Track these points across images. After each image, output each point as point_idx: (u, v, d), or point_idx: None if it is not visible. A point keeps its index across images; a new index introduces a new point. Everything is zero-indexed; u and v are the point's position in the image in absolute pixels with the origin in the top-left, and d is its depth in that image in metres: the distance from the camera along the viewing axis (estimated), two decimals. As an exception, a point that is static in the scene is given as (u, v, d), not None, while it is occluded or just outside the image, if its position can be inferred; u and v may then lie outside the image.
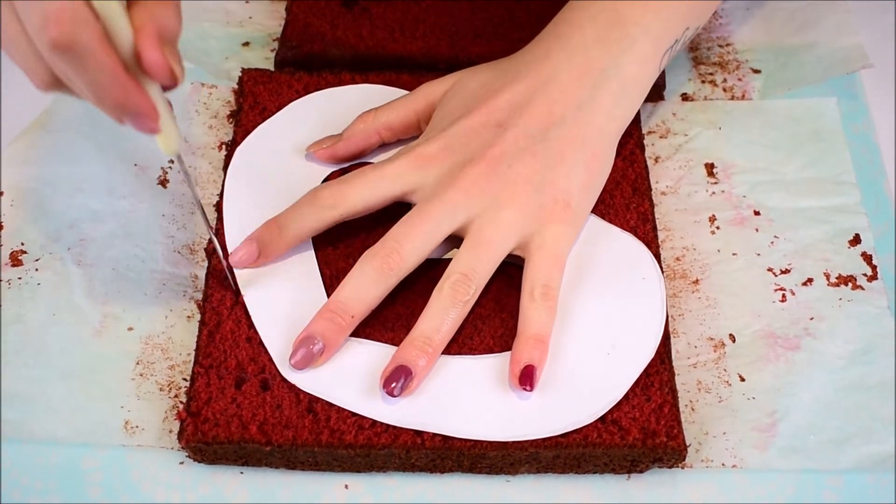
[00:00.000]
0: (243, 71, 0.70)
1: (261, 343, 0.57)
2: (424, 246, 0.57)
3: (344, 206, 0.58)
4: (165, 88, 0.49)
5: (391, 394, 0.54)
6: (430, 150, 0.59)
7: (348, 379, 0.56)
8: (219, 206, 0.63)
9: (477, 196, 0.58)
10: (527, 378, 0.55)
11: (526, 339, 0.56)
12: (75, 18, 0.44)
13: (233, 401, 0.55)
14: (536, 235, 0.58)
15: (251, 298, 0.58)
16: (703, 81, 0.73)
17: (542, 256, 0.58)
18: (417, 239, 0.57)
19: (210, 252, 0.61)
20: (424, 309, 0.56)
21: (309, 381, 0.55)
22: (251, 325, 0.57)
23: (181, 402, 0.57)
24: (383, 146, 0.65)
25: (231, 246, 0.60)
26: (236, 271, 0.59)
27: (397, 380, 0.54)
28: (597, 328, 0.58)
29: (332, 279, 0.59)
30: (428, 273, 0.59)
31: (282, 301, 0.58)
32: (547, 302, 0.57)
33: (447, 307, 0.56)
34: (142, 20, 0.46)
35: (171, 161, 0.67)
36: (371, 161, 0.65)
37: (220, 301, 0.58)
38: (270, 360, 0.56)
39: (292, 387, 0.55)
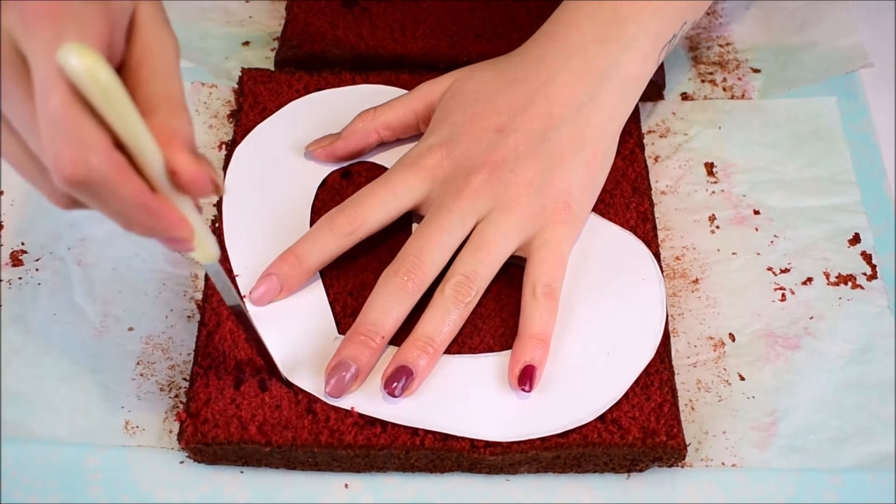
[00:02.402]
0: (243, 70, 0.70)
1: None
2: (442, 256, 0.57)
3: (362, 229, 0.58)
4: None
5: (392, 394, 0.54)
6: (434, 159, 0.59)
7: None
8: (218, 206, 0.63)
9: (482, 201, 0.58)
10: (526, 378, 0.55)
11: (527, 339, 0.56)
12: (91, 151, 0.41)
13: (232, 401, 0.55)
14: (538, 236, 0.58)
15: (253, 307, 0.58)
16: (702, 81, 0.73)
17: (545, 256, 0.58)
18: (435, 251, 0.57)
19: None
20: (426, 310, 0.56)
21: (310, 382, 0.55)
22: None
23: (181, 402, 0.57)
24: (382, 144, 0.65)
25: (231, 247, 0.60)
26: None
27: (398, 380, 0.54)
28: (597, 328, 0.58)
29: (332, 279, 0.59)
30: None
31: (283, 305, 0.58)
32: (550, 301, 0.57)
33: (449, 308, 0.56)
34: (165, 134, 0.43)
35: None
36: (370, 160, 0.65)
37: (220, 301, 0.58)
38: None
39: (291, 387, 0.55)
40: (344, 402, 0.55)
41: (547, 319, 0.57)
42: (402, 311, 0.56)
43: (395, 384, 0.54)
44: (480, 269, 0.57)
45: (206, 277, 0.60)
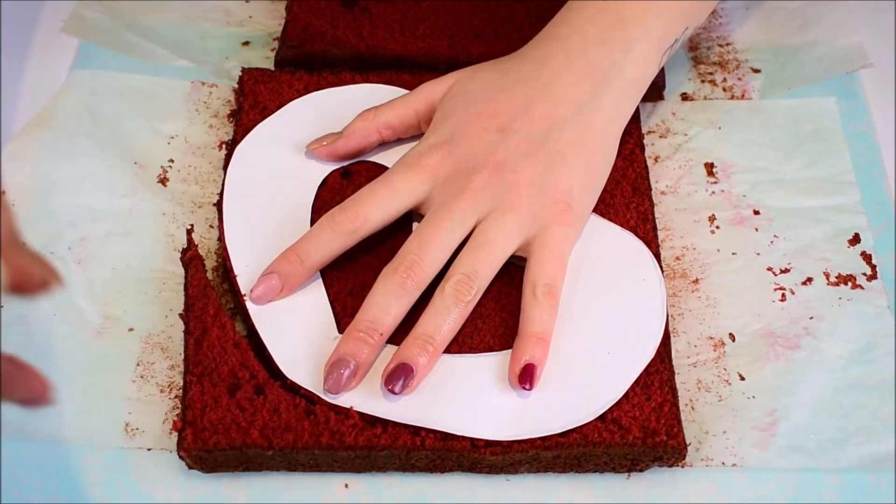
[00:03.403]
0: (243, 70, 0.70)
1: (248, 347, 0.57)
2: (442, 255, 0.57)
3: (363, 228, 0.58)
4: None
5: (393, 391, 0.54)
6: (435, 159, 0.59)
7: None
8: (219, 206, 0.63)
9: (483, 201, 0.58)
10: (527, 376, 0.55)
11: (527, 338, 0.56)
12: None
13: (229, 408, 0.54)
14: (539, 236, 0.58)
15: (253, 306, 0.58)
16: (702, 81, 0.73)
17: (545, 256, 0.58)
18: (435, 249, 0.57)
19: (186, 262, 0.60)
20: (426, 308, 0.56)
21: (310, 380, 0.55)
22: (236, 331, 0.57)
23: (180, 403, 0.57)
24: (383, 144, 0.65)
25: (232, 246, 0.60)
26: (239, 280, 0.59)
27: (398, 378, 0.54)
28: (597, 328, 0.58)
29: (332, 279, 0.59)
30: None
31: (283, 304, 0.58)
32: (550, 301, 0.57)
33: (449, 307, 0.56)
34: None
35: (172, 160, 0.67)
36: (370, 159, 0.65)
37: (203, 309, 0.58)
38: (261, 364, 0.56)
39: (288, 390, 0.55)
40: (343, 401, 0.55)
41: (547, 319, 0.57)
42: (401, 308, 0.56)
43: (395, 381, 0.54)
44: (481, 269, 0.57)
45: (186, 287, 0.59)
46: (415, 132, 0.64)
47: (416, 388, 0.55)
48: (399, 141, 0.65)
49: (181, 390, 0.57)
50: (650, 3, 0.62)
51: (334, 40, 0.71)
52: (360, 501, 0.55)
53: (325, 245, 0.58)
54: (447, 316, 0.56)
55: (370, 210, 0.58)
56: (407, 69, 0.70)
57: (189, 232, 0.61)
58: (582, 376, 0.56)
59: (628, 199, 0.63)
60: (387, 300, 0.56)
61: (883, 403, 0.57)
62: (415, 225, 0.61)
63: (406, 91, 0.65)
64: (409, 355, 0.55)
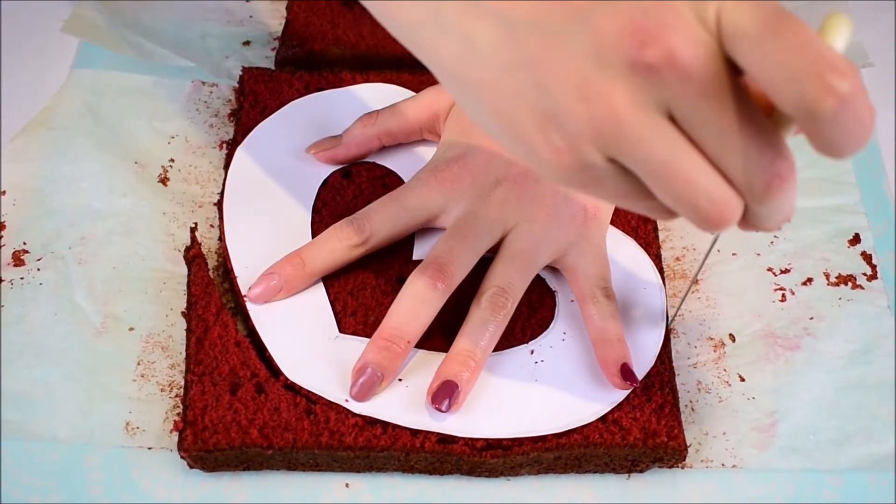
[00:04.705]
0: (244, 70, 0.70)
1: (250, 346, 0.57)
2: (470, 261, 0.57)
3: (370, 241, 0.58)
4: None
5: (439, 410, 0.54)
6: (451, 172, 0.59)
7: (347, 378, 0.55)
8: (219, 205, 0.63)
9: (510, 212, 0.58)
10: (629, 374, 0.55)
11: (610, 342, 0.56)
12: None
13: (230, 406, 0.55)
14: (575, 246, 0.58)
15: (253, 306, 0.58)
16: (703, 80, 0.72)
17: (590, 262, 0.58)
18: (463, 254, 0.56)
19: (189, 259, 0.61)
20: (464, 324, 0.56)
21: (312, 381, 0.55)
22: (238, 330, 0.57)
23: (182, 402, 0.57)
24: (384, 147, 0.65)
25: (232, 246, 0.60)
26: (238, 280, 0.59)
27: (445, 396, 0.54)
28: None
29: (332, 278, 0.59)
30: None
31: (283, 304, 0.58)
32: (611, 302, 0.57)
33: (487, 321, 0.56)
34: None
35: (172, 160, 0.67)
36: (371, 160, 0.65)
37: (206, 308, 0.58)
38: (262, 363, 0.56)
39: (289, 389, 0.55)
40: (340, 400, 0.55)
41: (617, 318, 0.57)
42: (429, 313, 0.56)
43: (441, 400, 0.54)
44: (515, 281, 0.57)
45: (188, 285, 0.60)
46: (416, 138, 0.64)
47: (462, 404, 0.55)
48: (399, 145, 0.65)
49: (182, 389, 0.57)
50: None
51: (334, 39, 0.71)
52: (360, 501, 0.55)
53: (329, 253, 0.58)
54: (485, 330, 0.55)
55: (377, 226, 0.58)
56: (407, 68, 0.70)
57: (193, 230, 0.62)
58: (583, 377, 0.56)
59: (629, 199, 0.63)
60: (414, 305, 0.55)
61: (882, 404, 0.58)
62: (416, 244, 0.61)
63: (406, 91, 0.65)
64: (452, 372, 0.54)
